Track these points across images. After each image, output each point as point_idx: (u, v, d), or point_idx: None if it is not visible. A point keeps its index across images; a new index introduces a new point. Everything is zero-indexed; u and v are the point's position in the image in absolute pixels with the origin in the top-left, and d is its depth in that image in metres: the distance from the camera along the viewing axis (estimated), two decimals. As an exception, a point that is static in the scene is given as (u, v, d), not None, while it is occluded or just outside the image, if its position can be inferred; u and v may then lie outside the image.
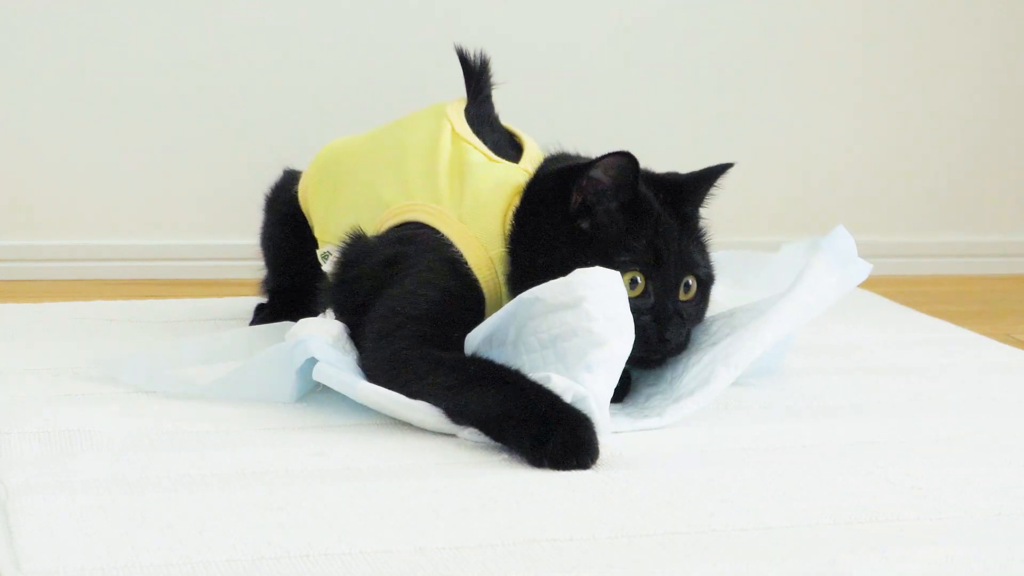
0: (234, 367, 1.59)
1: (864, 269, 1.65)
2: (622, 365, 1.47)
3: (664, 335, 1.55)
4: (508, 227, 1.59)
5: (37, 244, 2.34)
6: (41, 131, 2.33)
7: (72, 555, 1.13)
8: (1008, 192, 2.64)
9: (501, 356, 1.51)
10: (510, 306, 1.51)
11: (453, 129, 1.70)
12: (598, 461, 1.38)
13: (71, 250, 2.35)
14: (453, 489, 1.30)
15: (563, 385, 1.42)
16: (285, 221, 1.87)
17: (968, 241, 2.63)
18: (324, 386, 1.59)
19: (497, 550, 1.17)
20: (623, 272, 1.52)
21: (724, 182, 1.65)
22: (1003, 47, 2.59)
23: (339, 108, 2.36)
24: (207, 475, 1.32)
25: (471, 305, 1.57)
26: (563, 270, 1.49)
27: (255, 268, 1.97)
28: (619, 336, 1.46)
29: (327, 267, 1.69)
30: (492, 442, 1.43)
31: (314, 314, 1.66)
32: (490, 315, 1.54)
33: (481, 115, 1.75)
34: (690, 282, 1.59)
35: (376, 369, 1.52)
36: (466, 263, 1.57)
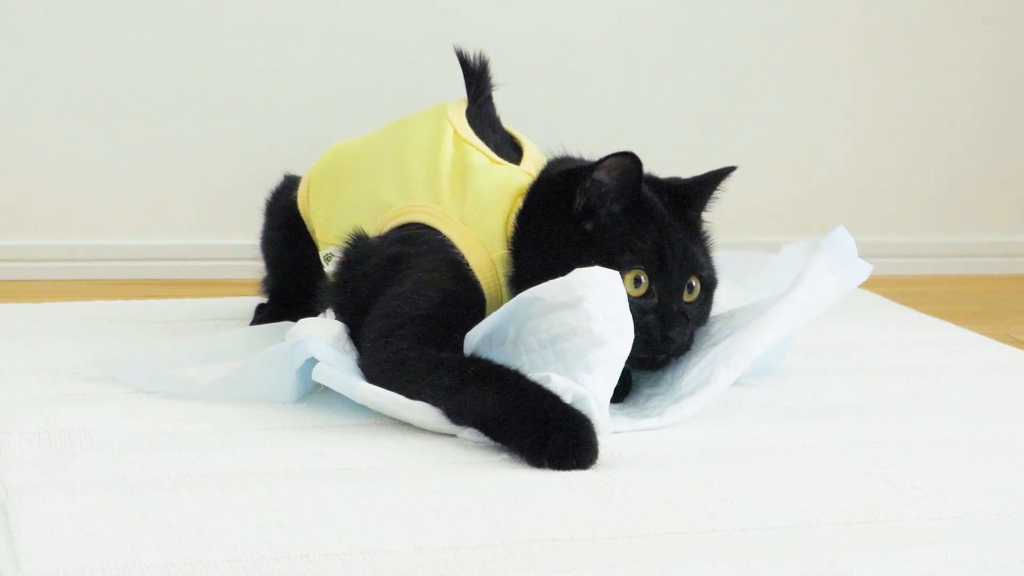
0: (234, 367, 1.59)
1: (864, 270, 1.65)
2: (622, 365, 1.47)
3: (668, 334, 1.55)
4: (511, 229, 1.59)
5: (37, 244, 2.34)
6: (41, 131, 2.33)
7: (72, 555, 1.13)
8: (1008, 192, 2.64)
9: (500, 356, 1.51)
10: (510, 305, 1.51)
11: (455, 131, 1.70)
12: (598, 461, 1.38)
13: (71, 250, 2.35)
14: (453, 489, 1.30)
15: (563, 385, 1.42)
16: (285, 225, 1.88)
17: (968, 241, 2.63)
18: (324, 386, 1.59)
19: (497, 550, 1.17)
20: (627, 271, 1.53)
21: (726, 184, 1.65)
22: (1003, 47, 2.59)
23: (340, 108, 2.36)
24: (207, 475, 1.32)
25: (471, 306, 1.57)
26: (566, 271, 1.50)
27: (255, 268, 1.97)
28: (619, 336, 1.46)
29: (329, 268, 1.69)
30: (492, 442, 1.43)
31: (315, 314, 1.66)
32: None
33: (482, 116, 1.76)
34: (694, 283, 1.59)
35: (375, 369, 1.52)
36: (467, 264, 1.57)
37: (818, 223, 2.56)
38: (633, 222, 1.56)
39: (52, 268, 2.34)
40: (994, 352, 1.91)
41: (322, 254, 1.74)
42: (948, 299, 2.38)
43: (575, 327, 1.45)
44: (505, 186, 1.63)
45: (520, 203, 1.60)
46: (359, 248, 1.65)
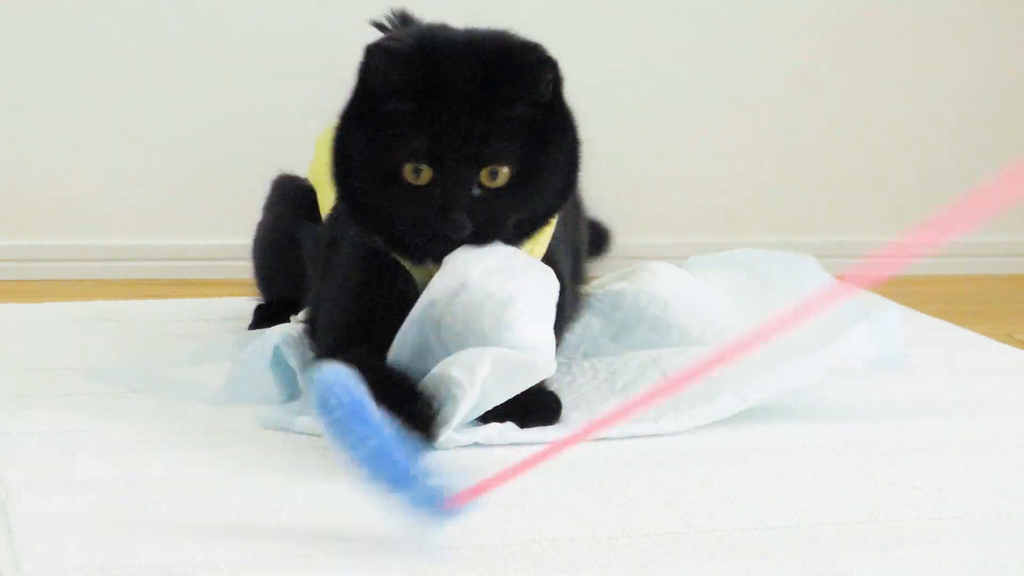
0: (227, 375, 1.58)
1: (903, 358, 1.60)
2: (550, 297, 1.45)
3: (449, 215, 1.45)
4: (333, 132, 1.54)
5: (37, 244, 2.34)
6: (41, 131, 2.33)
7: (72, 555, 1.13)
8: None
9: (434, 364, 1.45)
10: (415, 318, 1.46)
11: None
12: (596, 461, 1.38)
13: (71, 250, 2.34)
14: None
15: (461, 375, 1.39)
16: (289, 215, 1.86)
17: (968, 241, 2.62)
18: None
19: (497, 550, 1.17)
20: (405, 162, 1.46)
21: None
22: (1003, 47, 2.59)
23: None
24: (207, 475, 1.32)
25: (384, 282, 1.52)
26: (360, 157, 1.46)
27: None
28: (516, 285, 1.43)
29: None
30: (492, 443, 1.43)
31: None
32: None
33: None
34: (499, 171, 1.47)
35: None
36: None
37: (818, 223, 2.56)
38: (421, 107, 1.46)
39: (52, 268, 2.33)
40: (994, 352, 1.91)
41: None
42: (948, 299, 2.38)
43: (477, 302, 1.43)
44: None
45: None
46: (312, 241, 1.65)
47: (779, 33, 2.52)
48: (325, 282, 1.57)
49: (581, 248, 1.76)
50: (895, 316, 1.63)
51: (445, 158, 1.45)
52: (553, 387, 1.53)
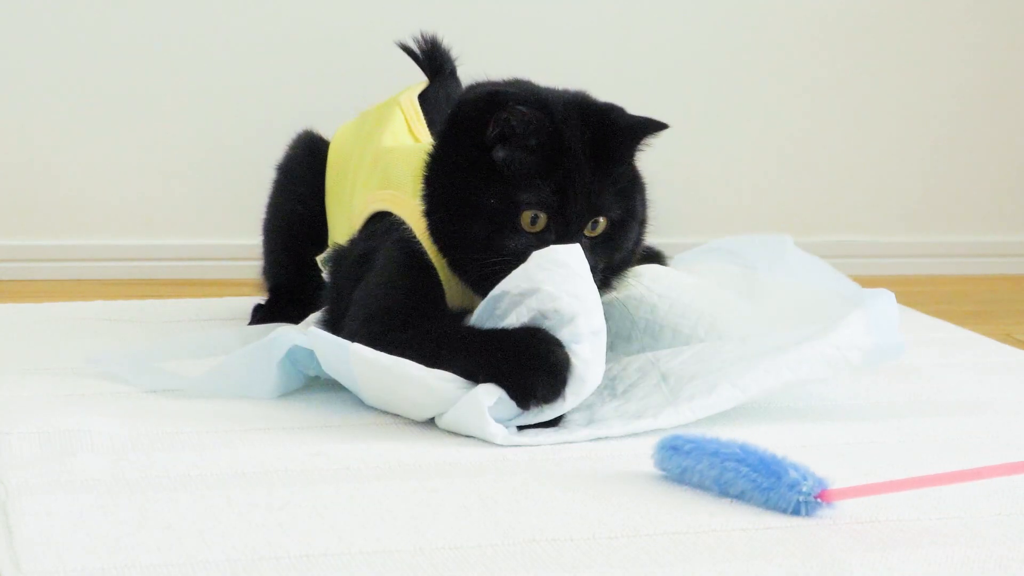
0: (216, 363, 1.59)
1: (900, 347, 1.60)
2: (601, 339, 1.47)
3: None
4: (425, 164, 1.58)
5: (37, 244, 2.34)
6: (41, 131, 2.33)
7: (72, 555, 1.13)
8: (1008, 192, 2.64)
9: None
10: (485, 305, 1.51)
11: (402, 112, 1.72)
12: (597, 461, 1.39)
13: (71, 250, 2.34)
14: (453, 489, 1.31)
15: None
16: (304, 183, 1.86)
17: (968, 241, 2.62)
18: (322, 385, 1.59)
19: (497, 550, 1.17)
20: (525, 210, 1.53)
21: (652, 140, 1.62)
22: (1003, 47, 2.59)
23: (340, 108, 2.36)
24: (207, 475, 1.32)
25: (426, 287, 1.57)
26: (471, 202, 1.51)
27: (254, 268, 1.97)
28: (586, 313, 1.46)
29: (325, 276, 1.70)
30: (491, 441, 1.43)
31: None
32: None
33: (439, 95, 1.77)
34: (599, 220, 1.57)
35: None
36: (417, 240, 1.57)
37: (818, 223, 2.56)
38: (543, 159, 1.54)
39: (52, 268, 2.33)
40: (994, 352, 1.91)
41: (319, 259, 1.74)
42: (948, 299, 2.38)
43: (544, 311, 1.46)
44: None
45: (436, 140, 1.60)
46: (338, 257, 1.67)
47: (779, 33, 2.52)
48: (362, 284, 1.58)
49: None
50: (890, 303, 1.63)
51: (564, 208, 1.53)
52: None
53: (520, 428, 1.46)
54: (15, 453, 1.36)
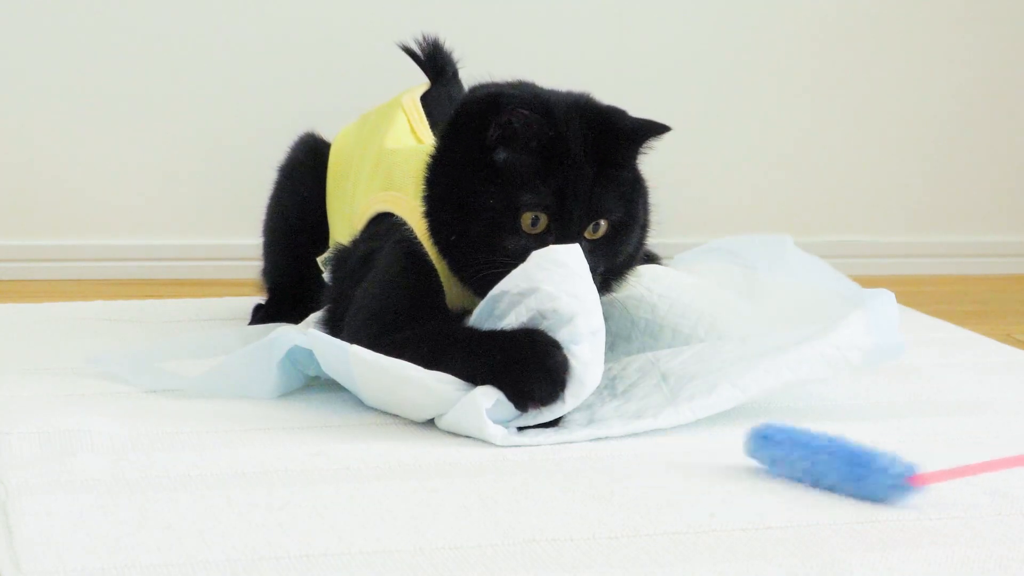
0: (216, 363, 1.59)
1: (900, 347, 1.59)
2: (600, 339, 1.47)
3: None
4: (426, 165, 1.58)
5: (37, 244, 2.34)
6: (41, 131, 2.33)
7: (72, 555, 1.13)
8: (1007, 192, 2.64)
9: None
10: (484, 305, 1.51)
11: (405, 114, 1.72)
12: (598, 460, 1.39)
13: (71, 250, 2.35)
14: (453, 489, 1.31)
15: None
16: (305, 186, 1.86)
17: (968, 241, 2.63)
18: (322, 385, 1.59)
19: (497, 550, 1.17)
20: (526, 211, 1.53)
21: (655, 142, 1.62)
22: (1002, 47, 2.59)
23: (340, 107, 2.36)
24: (207, 475, 1.32)
25: (427, 289, 1.57)
26: (473, 204, 1.51)
27: (254, 268, 1.97)
28: (585, 313, 1.46)
29: (326, 276, 1.70)
30: (491, 441, 1.43)
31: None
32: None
33: (441, 96, 1.77)
34: (600, 223, 1.57)
35: None
36: (417, 241, 1.57)
37: (818, 223, 2.56)
38: (544, 161, 1.54)
39: (52, 268, 2.34)
40: (994, 352, 1.91)
41: (320, 260, 1.74)
42: (948, 299, 2.38)
43: (543, 311, 1.46)
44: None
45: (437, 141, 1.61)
46: (340, 257, 1.67)
47: (779, 33, 2.52)
48: (363, 284, 1.58)
49: None
50: (890, 303, 1.63)
51: (565, 210, 1.53)
52: None
53: (520, 429, 1.46)
54: (15, 453, 1.37)
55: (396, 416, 1.52)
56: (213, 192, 2.38)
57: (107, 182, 2.35)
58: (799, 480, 1.33)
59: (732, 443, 1.47)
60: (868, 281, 1.70)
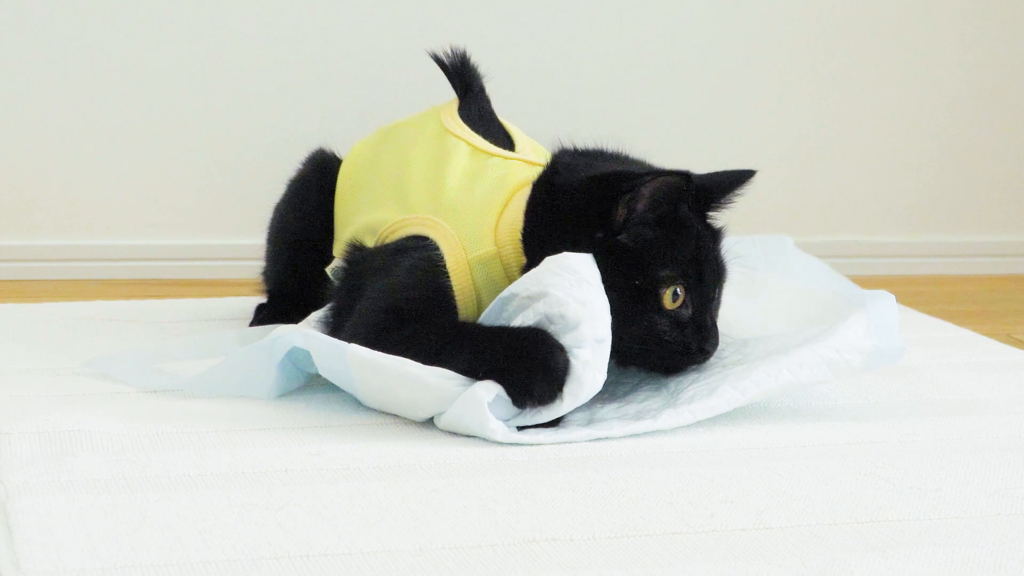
0: (216, 363, 1.59)
1: (901, 349, 1.59)
2: (604, 348, 1.47)
3: (704, 346, 1.56)
4: (519, 223, 1.57)
5: (37, 244, 2.34)
6: (41, 131, 2.33)
7: (72, 555, 1.13)
8: (1008, 192, 2.64)
9: None
10: (494, 305, 1.52)
11: (449, 131, 1.70)
12: (597, 460, 1.39)
13: (71, 250, 2.35)
14: (453, 489, 1.31)
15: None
16: (310, 202, 1.86)
17: (968, 241, 2.63)
18: (322, 385, 1.59)
19: (497, 550, 1.17)
20: (667, 287, 1.53)
21: (745, 188, 1.64)
22: (1002, 48, 2.59)
23: (341, 108, 2.36)
24: (207, 475, 1.32)
25: (440, 299, 1.57)
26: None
27: (255, 268, 1.97)
28: (592, 319, 1.46)
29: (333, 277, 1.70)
30: (491, 438, 1.43)
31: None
32: (462, 317, 1.56)
33: (472, 113, 1.76)
34: (720, 289, 1.60)
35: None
36: (443, 267, 1.57)
37: (818, 223, 2.56)
38: (671, 235, 1.54)
39: (52, 268, 2.34)
40: (994, 352, 1.91)
41: (328, 269, 1.73)
42: (948, 299, 2.39)
43: (550, 315, 1.47)
44: (501, 180, 1.62)
45: (523, 193, 1.59)
46: (357, 257, 1.66)
47: (780, 33, 2.52)
48: (379, 283, 1.58)
49: None
50: (891, 305, 1.63)
51: (701, 281, 1.56)
52: None
53: (520, 428, 1.46)
54: (15, 453, 1.37)
55: (396, 416, 1.53)
56: (213, 192, 2.38)
57: (107, 182, 2.35)
58: None
59: (732, 444, 1.47)
60: (868, 281, 1.71)
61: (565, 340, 1.45)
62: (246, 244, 2.04)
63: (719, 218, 1.64)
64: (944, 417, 1.59)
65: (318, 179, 1.84)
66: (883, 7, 2.54)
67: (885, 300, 1.63)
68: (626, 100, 2.48)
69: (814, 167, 2.57)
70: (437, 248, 1.58)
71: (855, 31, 2.54)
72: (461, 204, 1.61)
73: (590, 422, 1.50)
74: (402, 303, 1.55)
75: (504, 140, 1.73)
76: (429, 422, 1.50)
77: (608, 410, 1.53)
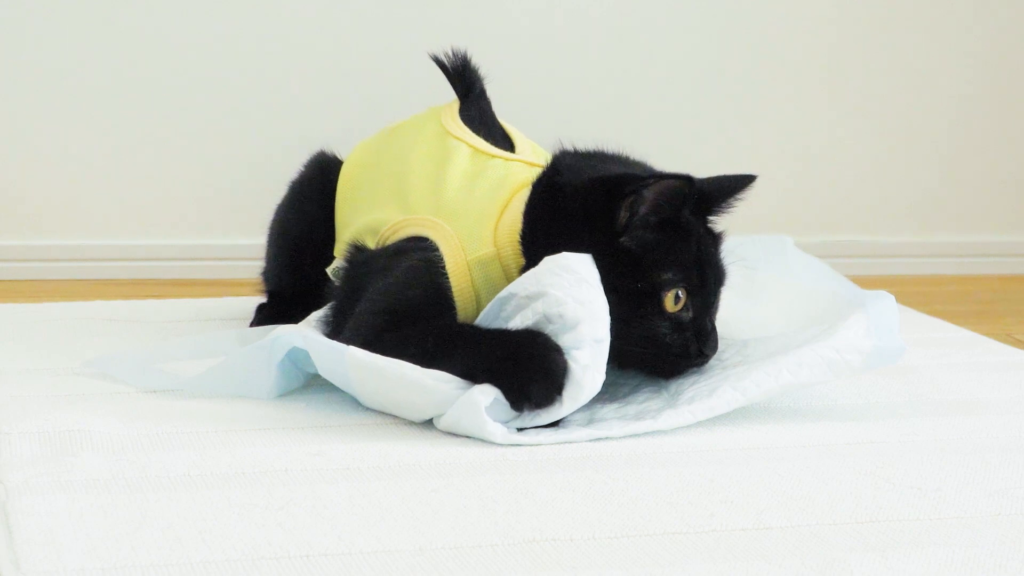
0: (215, 363, 1.59)
1: (901, 350, 1.58)
2: (603, 349, 1.47)
3: (704, 350, 1.56)
4: (519, 225, 1.57)
5: (37, 244, 2.34)
6: (41, 131, 2.33)
7: (72, 555, 1.13)
8: (1008, 192, 2.64)
9: None
10: (492, 305, 1.52)
11: (449, 133, 1.70)
12: (597, 460, 1.39)
13: (71, 250, 2.35)
14: (453, 489, 1.31)
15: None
16: (311, 202, 1.86)
17: (968, 241, 2.63)
18: (322, 385, 1.59)
19: (497, 550, 1.17)
20: (668, 290, 1.53)
21: (746, 193, 1.64)
22: (1004, 48, 2.59)
23: (341, 109, 2.36)
24: (207, 475, 1.32)
25: (439, 300, 1.57)
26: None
27: (255, 268, 1.97)
28: (592, 319, 1.46)
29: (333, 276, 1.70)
30: (490, 440, 1.43)
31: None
32: (461, 317, 1.56)
33: (473, 115, 1.75)
34: (721, 293, 1.60)
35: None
36: (442, 268, 1.57)
37: (818, 223, 2.56)
38: (672, 238, 1.54)
39: (52, 268, 2.34)
40: (994, 352, 1.91)
41: (329, 270, 1.73)
42: (948, 299, 2.39)
43: (548, 315, 1.47)
44: (501, 182, 1.62)
45: (523, 194, 1.59)
46: (358, 257, 1.66)
47: (781, 33, 2.52)
48: (379, 284, 1.58)
49: None
50: (891, 305, 1.63)
51: (703, 285, 1.56)
52: None
53: (520, 429, 1.46)
54: (15, 453, 1.37)
55: (396, 416, 1.53)
56: (213, 192, 2.38)
57: (107, 182, 2.36)
58: None
59: (732, 444, 1.47)
60: (868, 281, 1.71)
61: (564, 340, 1.45)
62: (246, 244, 2.05)
63: (718, 222, 1.64)
64: (944, 417, 1.59)
65: (319, 180, 1.84)
66: (883, 8, 2.54)
67: (885, 300, 1.63)
68: (626, 101, 2.48)
69: (814, 167, 2.57)
70: (437, 249, 1.58)
71: (855, 32, 2.54)
72: (461, 205, 1.61)
73: (590, 422, 1.50)
74: (401, 304, 1.55)
75: (504, 142, 1.73)
76: (429, 422, 1.50)
77: (608, 410, 1.53)
